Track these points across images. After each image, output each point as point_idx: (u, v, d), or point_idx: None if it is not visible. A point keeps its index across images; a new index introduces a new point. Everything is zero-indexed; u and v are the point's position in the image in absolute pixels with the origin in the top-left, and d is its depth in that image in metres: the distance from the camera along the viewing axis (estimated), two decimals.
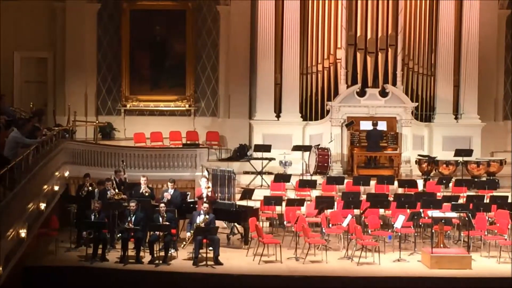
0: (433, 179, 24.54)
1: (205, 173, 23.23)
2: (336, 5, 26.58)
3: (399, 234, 20.40)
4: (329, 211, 21.52)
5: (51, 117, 25.98)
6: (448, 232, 21.45)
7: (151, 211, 20.33)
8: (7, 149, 17.27)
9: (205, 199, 20.66)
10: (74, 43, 27.05)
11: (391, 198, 22.32)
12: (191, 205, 21.47)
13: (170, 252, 19.43)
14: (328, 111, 26.43)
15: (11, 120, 19.57)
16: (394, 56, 26.54)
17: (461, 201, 22.25)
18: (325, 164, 24.89)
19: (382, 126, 25.84)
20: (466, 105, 26.84)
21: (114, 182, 21.37)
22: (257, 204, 22.10)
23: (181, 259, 19.59)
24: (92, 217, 19.75)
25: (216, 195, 21.90)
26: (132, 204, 19.75)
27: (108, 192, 20.99)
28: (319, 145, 25.48)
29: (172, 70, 27.63)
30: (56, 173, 21.37)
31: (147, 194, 21.23)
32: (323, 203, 21.43)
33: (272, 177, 24.04)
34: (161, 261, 19.08)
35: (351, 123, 25.88)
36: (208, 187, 21.13)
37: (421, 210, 21.08)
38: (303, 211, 21.92)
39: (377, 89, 26.40)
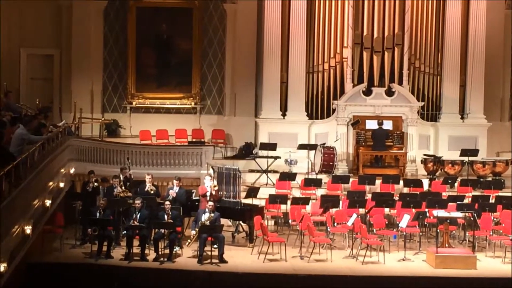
0: (439, 179, 24.52)
1: (211, 171, 23.24)
2: (343, 4, 26.58)
3: (404, 233, 20.36)
4: (334, 210, 21.50)
5: (57, 114, 25.99)
6: (453, 232, 21.42)
7: (156, 209, 20.36)
8: (13, 145, 17.26)
9: (208, 197, 20.67)
10: (80, 40, 27.07)
11: (396, 198, 22.30)
12: (196, 203, 21.49)
13: (175, 249, 19.43)
14: (334, 110, 26.43)
15: (17, 116, 19.53)
16: (400, 56, 26.53)
17: (466, 201, 22.23)
18: (331, 163, 24.89)
19: (388, 125, 25.83)
20: (472, 105, 26.84)
21: (120, 179, 21.39)
22: (262, 203, 22.10)
23: (186, 256, 19.60)
24: (97, 214, 19.75)
25: (221, 193, 21.90)
26: (137, 202, 19.77)
27: (115, 190, 21.01)
28: (324, 144, 25.47)
29: (178, 67, 27.63)
30: (62, 170, 21.36)
31: (152, 192, 21.24)
32: (328, 202, 21.42)
33: (278, 175, 24.04)
34: (165, 259, 19.09)
35: (357, 122, 25.87)
36: (215, 186, 21.13)
37: (426, 210, 21.06)
38: (308, 209, 21.92)
39: (383, 88, 26.40)
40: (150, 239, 19.66)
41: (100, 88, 27.57)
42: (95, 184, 21.14)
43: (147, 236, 19.53)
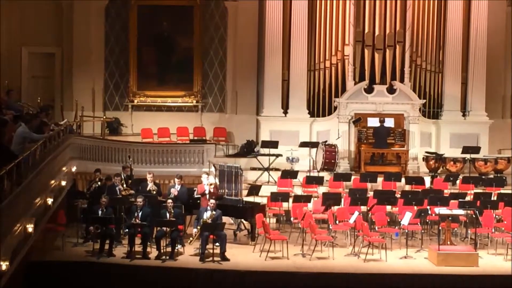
0: (440, 176, 24.49)
1: (212, 169, 23.23)
2: (344, 2, 26.56)
3: (406, 231, 20.36)
4: (336, 207, 21.50)
5: (59, 112, 26.01)
6: (455, 229, 21.41)
7: (158, 207, 20.35)
8: (14, 144, 17.28)
9: (207, 196, 20.67)
10: (82, 38, 27.09)
11: (398, 195, 22.29)
12: (198, 201, 21.49)
13: (176, 247, 19.43)
14: (335, 108, 26.42)
15: (19, 115, 19.56)
16: (402, 53, 26.52)
17: (468, 198, 22.20)
18: (332, 161, 24.88)
19: (389, 123, 25.81)
20: (474, 102, 26.83)
21: (122, 177, 21.39)
22: (264, 201, 22.08)
23: (188, 254, 19.59)
24: (99, 212, 19.74)
25: (222, 191, 21.89)
26: (139, 200, 19.76)
27: (117, 188, 21.00)
28: (326, 141, 25.47)
29: (179, 65, 27.63)
30: (63, 168, 21.39)
31: (154, 192, 21.24)
32: (330, 199, 21.41)
33: (279, 173, 24.01)
34: (167, 257, 19.09)
35: (359, 120, 25.86)
36: (211, 184, 21.12)
37: (428, 207, 21.01)
38: (310, 207, 21.89)
39: (385, 86, 26.40)
40: (152, 237, 19.66)
41: (101, 86, 27.58)
42: (99, 183, 21.14)
43: (149, 234, 19.52)
